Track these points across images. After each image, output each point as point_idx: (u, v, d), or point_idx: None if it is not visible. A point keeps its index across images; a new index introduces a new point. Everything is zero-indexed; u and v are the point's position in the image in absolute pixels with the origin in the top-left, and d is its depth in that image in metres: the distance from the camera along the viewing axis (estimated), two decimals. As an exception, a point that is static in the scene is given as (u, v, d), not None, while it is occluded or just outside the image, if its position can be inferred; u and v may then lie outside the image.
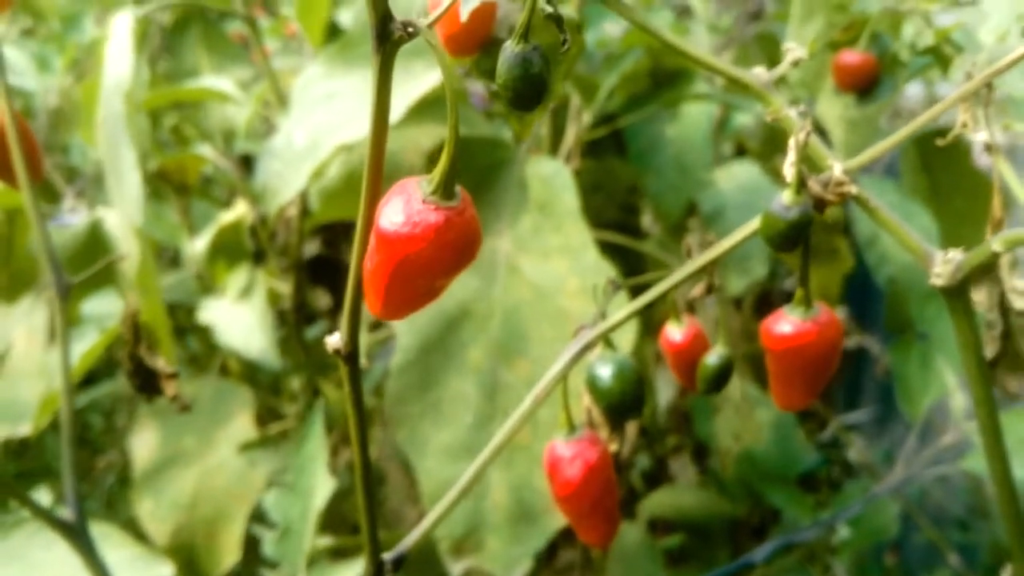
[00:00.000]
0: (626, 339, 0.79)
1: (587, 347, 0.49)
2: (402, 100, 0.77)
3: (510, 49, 0.35)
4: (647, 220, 1.24)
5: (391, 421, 0.79)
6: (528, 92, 0.35)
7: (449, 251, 0.35)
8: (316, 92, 0.84)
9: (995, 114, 0.67)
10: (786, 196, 0.43)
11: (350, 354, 0.41)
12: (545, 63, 0.35)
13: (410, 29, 0.33)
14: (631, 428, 1.07)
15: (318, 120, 0.83)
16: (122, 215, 0.81)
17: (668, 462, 1.35)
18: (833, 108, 0.81)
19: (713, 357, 0.55)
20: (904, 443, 1.07)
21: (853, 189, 0.46)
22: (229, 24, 1.49)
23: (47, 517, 0.53)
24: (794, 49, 0.47)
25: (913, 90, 1.33)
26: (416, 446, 0.78)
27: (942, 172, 1.02)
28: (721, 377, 0.56)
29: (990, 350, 0.48)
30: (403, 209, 0.34)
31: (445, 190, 0.34)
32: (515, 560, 0.77)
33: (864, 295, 1.48)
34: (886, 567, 1.44)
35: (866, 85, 0.72)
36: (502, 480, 0.79)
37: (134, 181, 0.78)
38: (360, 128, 0.81)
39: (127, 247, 0.81)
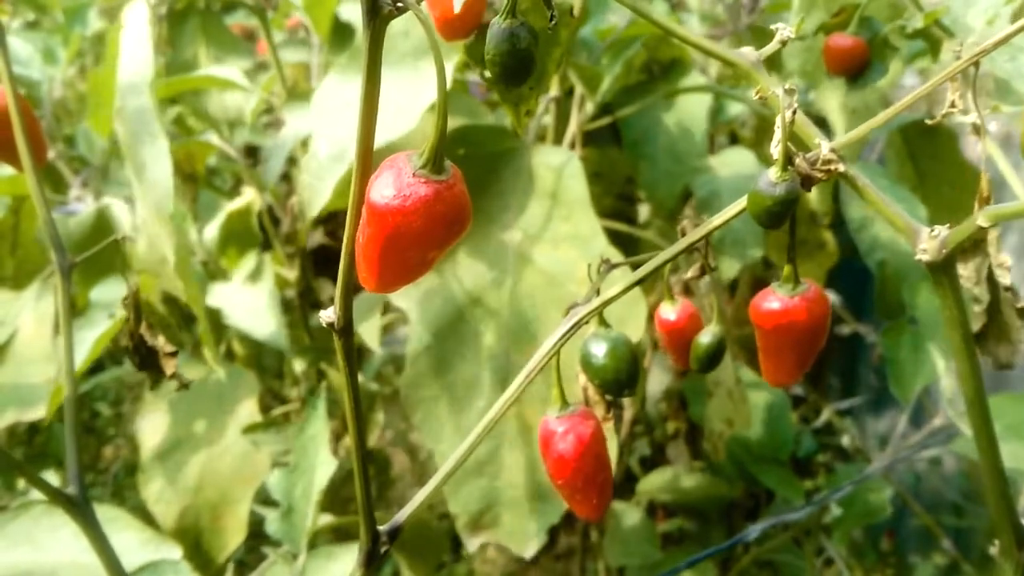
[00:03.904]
0: (635, 326, 0.79)
1: (579, 323, 0.50)
2: (417, 103, 0.77)
3: (497, 25, 0.35)
4: (644, 209, 1.24)
5: (406, 405, 0.80)
6: (515, 66, 0.35)
7: (439, 223, 0.35)
8: (334, 102, 0.84)
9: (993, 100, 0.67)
10: (773, 173, 0.43)
11: (343, 327, 0.42)
12: (532, 38, 0.35)
13: (399, 4, 0.33)
14: (627, 414, 1.07)
15: (339, 130, 0.84)
16: (149, 206, 0.81)
17: (666, 448, 1.36)
18: (833, 97, 0.81)
19: (706, 336, 0.56)
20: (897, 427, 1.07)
21: (841, 167, 0.46)
22: (228, 16, 1.50)
23: (50, 491, 0.54)
24: (783, 29, 0.48)
25: (912, 81, 1.34)
26: (431, 429, 0.79)
27: (928, 161, 1.02)
28: (714, 356, 0.56)
29: (977, 323, 0.49)
30: (393, 183, 0.35)
31: (435, 164, 0.35)
32: (531, 535, 0.79)
33: (859, 283, 1.48)
34: (882, 551, 1.45)
35: (856, 69, 0.72)
36: (516, 458, 0.79)
37: (164, 171, 0.79)
38: (381, 134, 0.82)
39: (160, 237, 0.81)
